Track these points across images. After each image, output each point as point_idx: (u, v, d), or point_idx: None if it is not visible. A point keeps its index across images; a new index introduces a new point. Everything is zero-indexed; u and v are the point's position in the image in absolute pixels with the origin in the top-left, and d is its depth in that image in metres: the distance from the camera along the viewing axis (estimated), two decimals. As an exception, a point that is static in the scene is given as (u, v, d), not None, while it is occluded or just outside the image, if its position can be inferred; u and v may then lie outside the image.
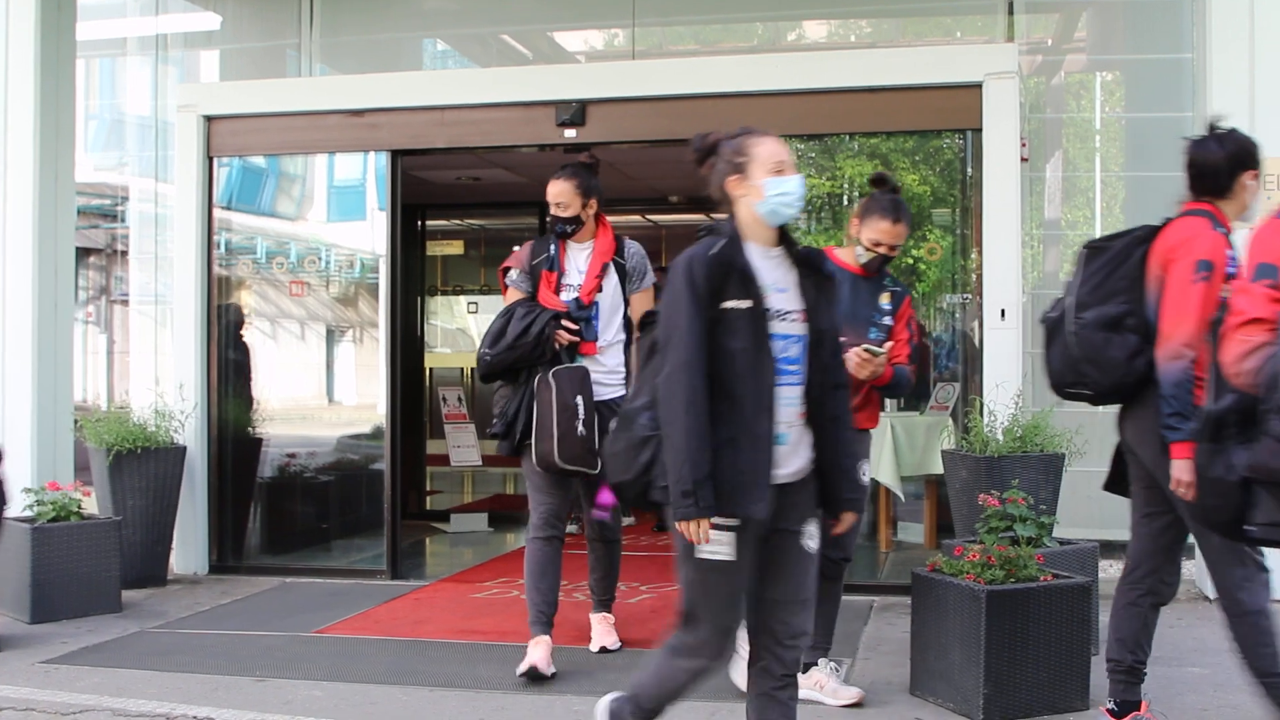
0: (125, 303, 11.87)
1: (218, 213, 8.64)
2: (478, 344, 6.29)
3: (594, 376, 5.80)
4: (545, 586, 5.83)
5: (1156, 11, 8.56)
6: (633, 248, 6.06)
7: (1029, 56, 8.80)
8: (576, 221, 5.92)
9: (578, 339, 5.79)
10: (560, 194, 5.88)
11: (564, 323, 5.75)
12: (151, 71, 10.57)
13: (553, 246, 5.96)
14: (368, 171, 8.92)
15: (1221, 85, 7.35)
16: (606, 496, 5.42)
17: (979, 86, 7.43)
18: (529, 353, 5.72)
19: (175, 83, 10.13)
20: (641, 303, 5.97)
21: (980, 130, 7.44)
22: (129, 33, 10.69)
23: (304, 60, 10.00)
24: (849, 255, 5.31)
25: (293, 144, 8.83)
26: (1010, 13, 8.76)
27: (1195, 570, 7.62)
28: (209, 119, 8.54)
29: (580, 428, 5.62)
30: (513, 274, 6.00)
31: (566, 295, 5.88)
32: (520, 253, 6.03)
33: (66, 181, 8.41)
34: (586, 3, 10.00)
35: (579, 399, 5.65)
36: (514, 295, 5.98)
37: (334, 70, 10.11)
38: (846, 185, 8.09)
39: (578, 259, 5.97)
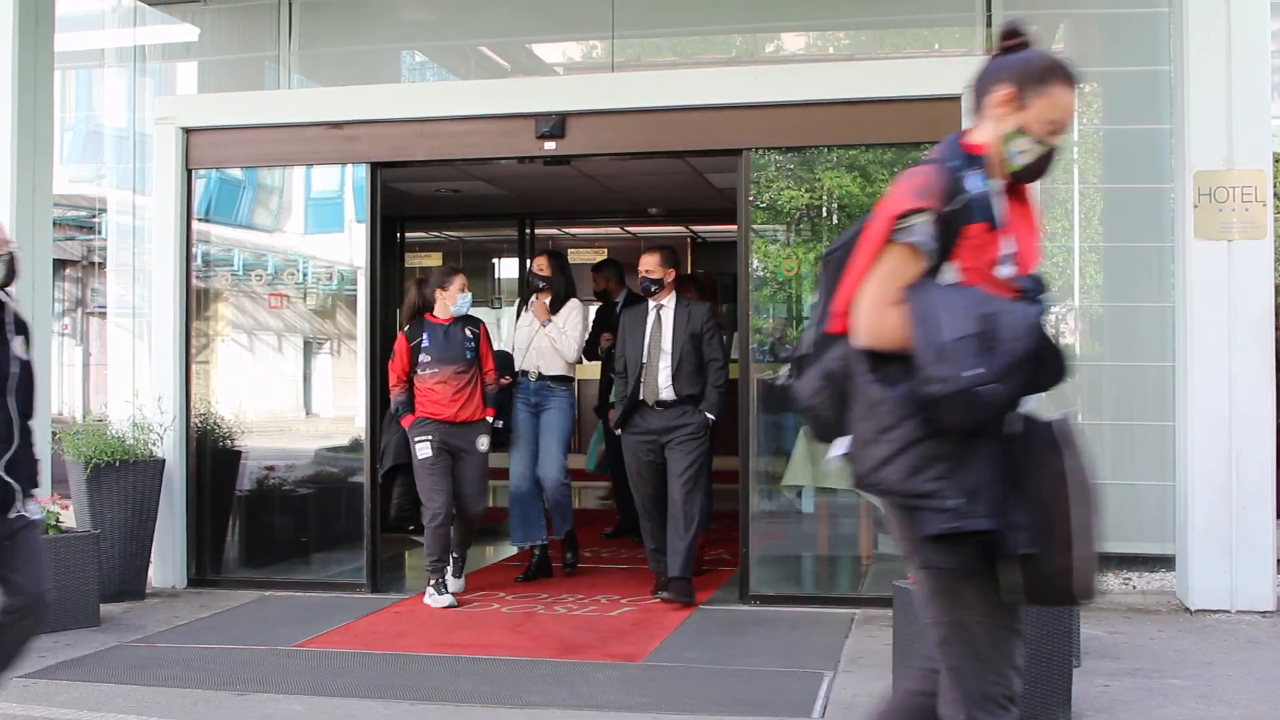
0: (101, 315, 11.84)
1: (196, 225, 8.61)
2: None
3: None
4: None
5: (1134, 24, 8.60)
6: None
7: (1007, 69, 8.82)
8: None
9: None
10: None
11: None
12: (129, 83, 10.53)
13: (976, 180, 3.14)
14: (346, 183, 8.89)
15: (1199, 97, 7.42)
16: None
17: (957, 99, 7.45)
18: (1027, 377, 3.00)
19: (153, 94, 10.09)
20: None
21: (959, 143, 7.46)
22: (107, 44, 10.65)
23: (283, 72, 9.97)
24: None
25: (272, 156, 8.80)
26: (988, 25, 8.78)
27: (1175, 582, 7.65)
28: (188, 131, 8.50)
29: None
30: (920, 226, 3.04)
31: (1004, 270, 3.15)
32: (930, 186, 3.07)
33: (44, 193, 8.38)
34: (565, 15, 10.00)
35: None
36: (904, 266, 3.07)
37: (313, 82, 10.09)
38: (826, 197, 8.10)
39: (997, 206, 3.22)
